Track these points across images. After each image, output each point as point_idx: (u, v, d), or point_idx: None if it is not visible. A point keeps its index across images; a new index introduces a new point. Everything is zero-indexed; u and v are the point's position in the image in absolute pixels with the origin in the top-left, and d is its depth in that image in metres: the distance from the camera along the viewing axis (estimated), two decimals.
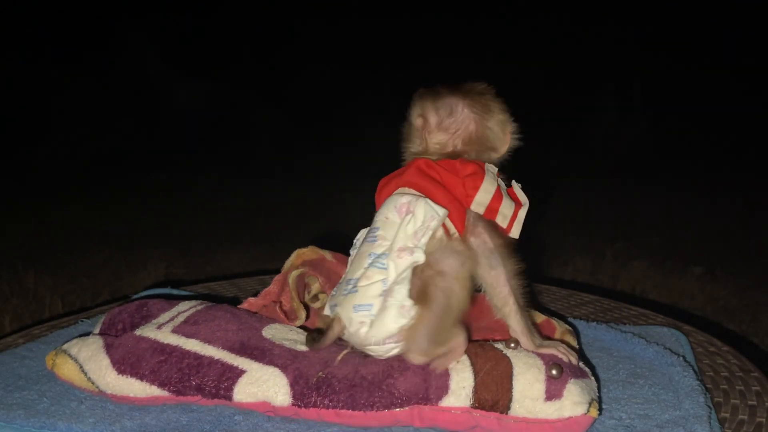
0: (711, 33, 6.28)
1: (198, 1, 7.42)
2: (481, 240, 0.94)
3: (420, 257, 0.88)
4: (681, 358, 1.05)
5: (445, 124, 1.01)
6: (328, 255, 1.16)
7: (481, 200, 0.95)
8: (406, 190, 0.96)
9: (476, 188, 0.95)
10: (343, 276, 0.96)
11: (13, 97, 6.45)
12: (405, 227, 0.90)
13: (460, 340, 0.89)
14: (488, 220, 0.95)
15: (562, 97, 6.66)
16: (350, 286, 0.90)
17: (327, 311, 0.95)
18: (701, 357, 1.11)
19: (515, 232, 0.97)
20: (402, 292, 0.87)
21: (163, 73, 7.10)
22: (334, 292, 0.96)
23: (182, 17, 7.25)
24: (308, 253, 1.15)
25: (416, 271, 0.89)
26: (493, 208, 0.95)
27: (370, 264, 0.90)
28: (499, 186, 0.97)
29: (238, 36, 7.41)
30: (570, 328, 1.10)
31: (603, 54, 6.69)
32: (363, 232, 0.99)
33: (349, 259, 0.99)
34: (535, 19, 6.97)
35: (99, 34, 7.08)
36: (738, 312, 2.62)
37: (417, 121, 1.03)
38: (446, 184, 0.95)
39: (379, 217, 0.94)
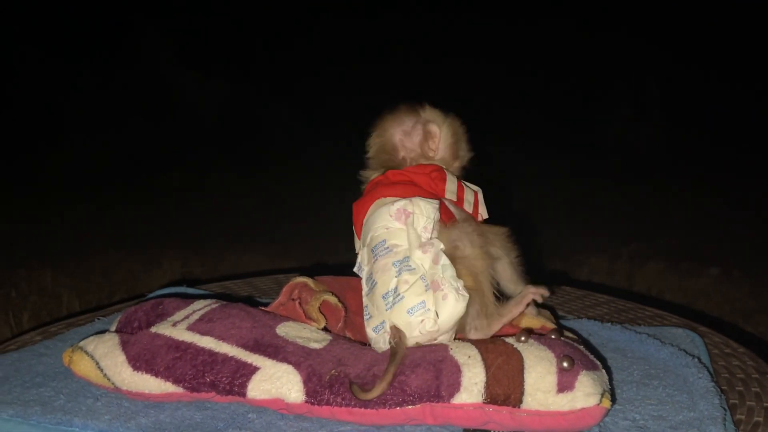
0: (728, 32, 6.22)
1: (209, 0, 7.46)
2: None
3: (440, 244, 0.95)
4: (696, 360, 1.04)
5: (451, 140, 1.14)
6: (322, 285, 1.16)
7: (451, 188, 1.07)
8: (386, 200, 1.02)
9: (444, 180, 1.06)
10: (371, 296, 0.97)
11: (30, 98, 6.51)
12: (414, 227, 0.97)
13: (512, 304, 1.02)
14: (459, 207, 1.07)
15: (577, 98, 6.63)
16: (390, 298, 0.93)
17: (371, 332, 0.96)
18: (717, 358, 1.11)
19: (484, 213, 1.10)
20: (451, 278, 0.93)
21: (177, 72, 7.14)
22: (367, 316, 0.98)
23: (194, 16, 7.28)
24: (308, 281, 1.15)
25: None
26: (459, 197, 1.07)
27: (399, 271, 0.93)
28: (457, 178, 1.10)
29: (253, 34, 7.44)
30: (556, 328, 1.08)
31: (620, 55, 6.65)
32: (361, 255, 1.03)
33: (363, 280, 1.01)
34: (551, 21, 6.94)
35: (113, 34, 7.13)
36: (755, 313, 2.60)
37: (432, 128, 1.12)
38: (417, 182, 1.05)
39: (378, 232, 0.98)
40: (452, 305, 0.91)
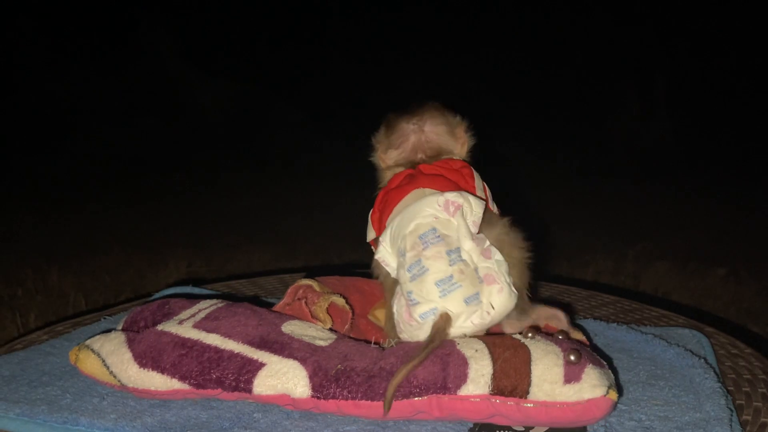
0: (738, 30, 6.20)
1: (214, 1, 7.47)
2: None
3: (486, 240, 0.98)
4: (702, 360, 1.04)
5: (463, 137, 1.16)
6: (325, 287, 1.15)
7: (479, 185, 1.07)
8: (427, 191, 1.01)
9: (473, 177, 1.06)
10: (417, 282, 0.94)
11: (35, 97, 6.54)
12: (465, 221, 0.97)
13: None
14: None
15: (583, 96, 6.62)
16: (446, 286, 0.93)
17: (418, 318, 0.94)
18: (723, 359, 1.10)
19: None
20: (506, 273, 0.96)
21: (182, 72, 7.16)
22: (412, 302, 0.95)
23: (198, 16, 7.30)
24: (312, 283, 1.14)
25: None
26: (486, 196, 1.06)
27: (453, 261, 0.94)
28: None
29: (257, 34, 7.45)
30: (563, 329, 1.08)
31: (626, 52, 6.63)
32: (402, 242, 0.98)
33: (405, 267, 0.97)
34: (557, 17, 6.93)
35: (119, 35, 7.15)
36: (762, 314, 2.59)
37: (458, 130, 1.14)
38: (449, 178, 1.05)
39: (427, 220, 0.97)
40: (507, 299, 0.94)
